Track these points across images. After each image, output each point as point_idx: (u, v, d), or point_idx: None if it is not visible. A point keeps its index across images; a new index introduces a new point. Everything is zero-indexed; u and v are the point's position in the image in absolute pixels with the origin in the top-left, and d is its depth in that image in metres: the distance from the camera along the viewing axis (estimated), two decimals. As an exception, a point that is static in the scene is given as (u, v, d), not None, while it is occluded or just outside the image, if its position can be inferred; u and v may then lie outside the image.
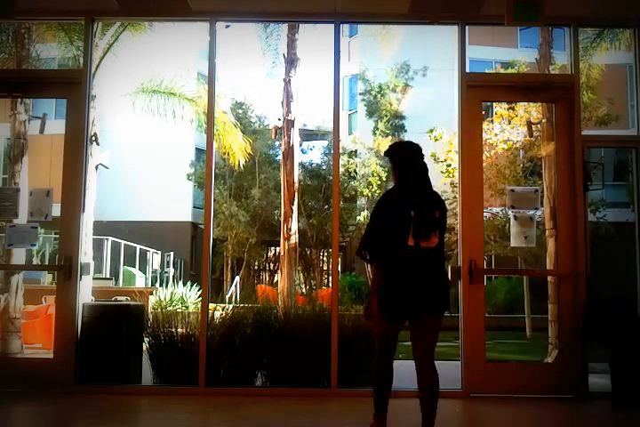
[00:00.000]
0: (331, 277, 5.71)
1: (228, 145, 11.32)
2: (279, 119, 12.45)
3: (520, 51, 19.05)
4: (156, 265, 18.69)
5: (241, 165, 12.28)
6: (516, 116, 12.34)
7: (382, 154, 19.33)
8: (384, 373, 3.71)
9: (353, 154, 19.71)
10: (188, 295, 11.60)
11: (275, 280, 19.75)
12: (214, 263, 18.22)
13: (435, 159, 15.07)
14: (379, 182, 18.90)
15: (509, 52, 19.15)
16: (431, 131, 15.72)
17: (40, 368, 5.27)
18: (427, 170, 3.71)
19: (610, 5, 5.48)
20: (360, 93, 20.60)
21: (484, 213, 8.18)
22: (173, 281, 15.73)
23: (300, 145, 15.67)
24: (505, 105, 12.35)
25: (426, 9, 5.42)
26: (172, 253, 19.75)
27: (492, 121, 12.49)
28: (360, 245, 3.63)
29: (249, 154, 12.31)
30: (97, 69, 6.79)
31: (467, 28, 5.62)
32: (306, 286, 18.47)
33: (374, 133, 19.73)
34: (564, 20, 5.68)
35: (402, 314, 3.50)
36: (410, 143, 3.85)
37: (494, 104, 12.41)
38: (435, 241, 3.48)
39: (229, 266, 19.63)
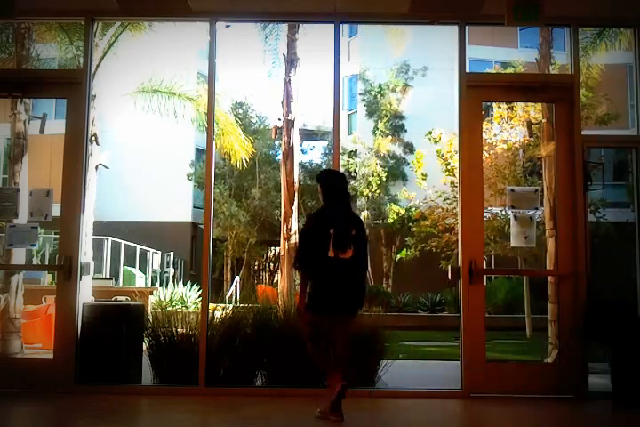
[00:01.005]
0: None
1: (231, 144, 11.28)
2: (279, 119, 12.46)
3: (520, 51, 19.05)
4: (156, 265, 18.68)
5: (244, 162, 12.18)
6: (515, 116, 12.33)
7: (382, 154, 19.50)
8: (322, 356, 4.40)
9: (353, 154, 19.72)
10: (188, 295, 11.61)
11: (275, 280, 19.76)
12: (214, 263, 18.22)
13: (439, 156, 15.09)
14: (379, 182, 18.91)
15: (509, 52, 19.14)
16: (430, 133, 15.74)
17: (40, 368, 5.26)
18: (348, 195, 4.58)
19: (610, 5, 5.48)
20: (360, 93, 20.60)
21: (484, 213, 8.18)
22: (173, 281, 15.75)
23: (300, 145, 15.68)
24: (504, 105, 12.34)
25: (426, 9, 5.43)
26: (171, 253, 19.75)
27: (490, 121, 12.48)
28: (295, 258, 4.46)
29: (252, 152, 12.25)
30: (97, 69, 6.80)
31: (467, 28, 5.61)
32: (306, 286, 18.42)
33: (374, 133, 19.74)
34: (564, 20, 5.68)
35: (325, 310, 4.32)
36: (336, 172, 4.86)
37: (493, 105, 12.39)
38: (350, 253, 4.27)
39: (229, 266, 19.64)
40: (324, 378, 4.74)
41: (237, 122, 12.79)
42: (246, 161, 12.16)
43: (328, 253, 4.24)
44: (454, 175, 13.51)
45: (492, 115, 12.54)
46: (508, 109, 12.44)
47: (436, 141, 15.38)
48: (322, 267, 4.29)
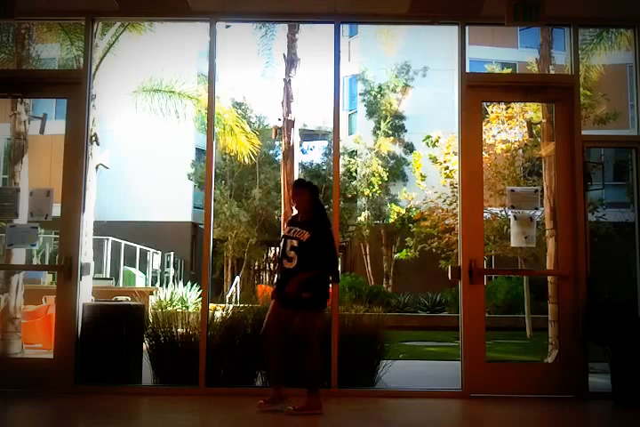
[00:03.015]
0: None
1: (237, 138, 11.16)
2: (279, 119, 12.43)
3: (520, 51, 19.05)
4: (157, 265, 18.67)
5: (251, 157, 11.98)
6: (511, 118, 12.32)
7: (382, 155, 19.48)
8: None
9: (354, 154, 19.72)
10: (188, 295, 11.59)
11: (275, 280, 19.73)
12: (214, 263, 18.22)
13: (434, 161, 15.06)
14: (379, 182, 18.92)
15: (509, 52, 19.15)
16: (428, 137, 15.67)
17: (40, 368, 5.26)
18: None
19: (610, 5, 5.48)
20: (360, 94, 20.59)
21: (484, 214, 8.18)
22: (173, 281, 15.73)
23: (301, 145, 15.66)
24: (502, 105, 12.34)
25: (426, 9, 5.43)
26: (172, 254, 19.75)
27: (488, 121, 12.46)
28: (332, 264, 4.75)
29: (258, 144, 12.11)
30: (97, 69, 6.81)
31: (467, 28, 5.61)
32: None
33: (374, 134, 19.74)
34: (564, 20, 5.68)
35: None
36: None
37: (491, 105, 12.38)
38: None
39: (229, 266, 19.65)
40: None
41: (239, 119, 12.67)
42: (253, 155, 11.96)
43: None
44: (452, 177, 13.50)
45: (490, 115, 12.53)
46: (505, 110, 12.43)
47: (434, 145, 15.32)
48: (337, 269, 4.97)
